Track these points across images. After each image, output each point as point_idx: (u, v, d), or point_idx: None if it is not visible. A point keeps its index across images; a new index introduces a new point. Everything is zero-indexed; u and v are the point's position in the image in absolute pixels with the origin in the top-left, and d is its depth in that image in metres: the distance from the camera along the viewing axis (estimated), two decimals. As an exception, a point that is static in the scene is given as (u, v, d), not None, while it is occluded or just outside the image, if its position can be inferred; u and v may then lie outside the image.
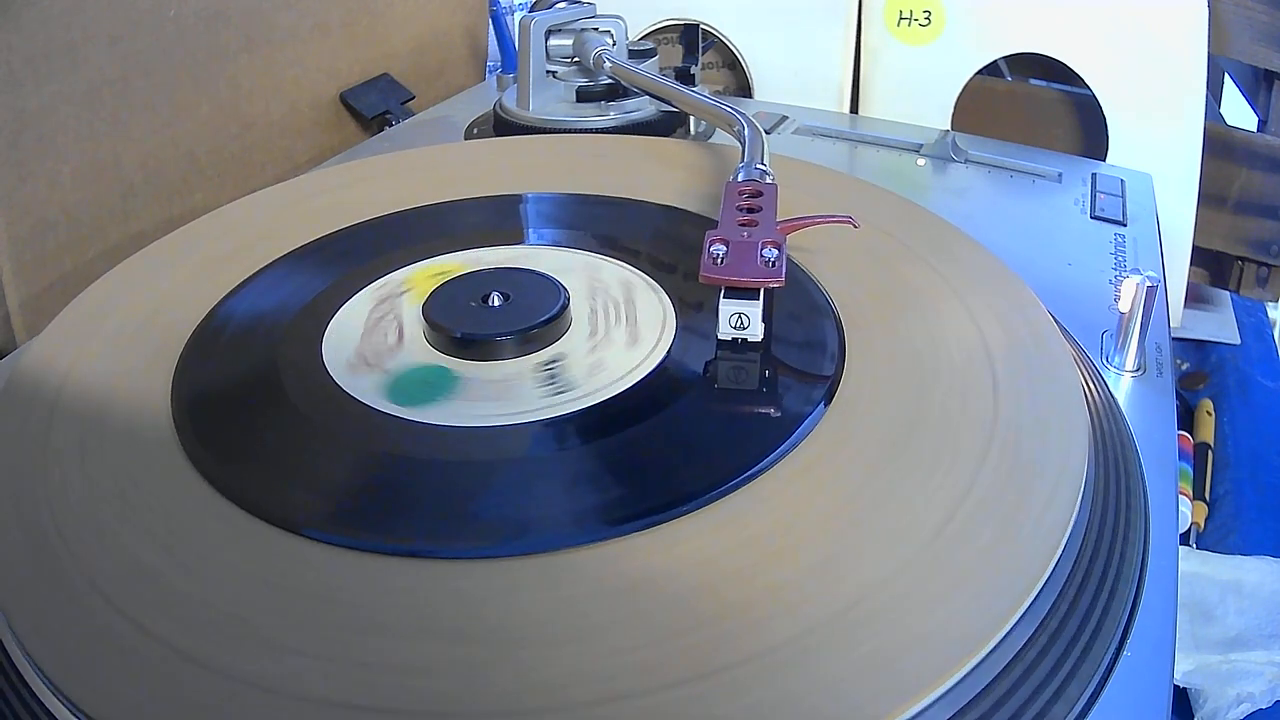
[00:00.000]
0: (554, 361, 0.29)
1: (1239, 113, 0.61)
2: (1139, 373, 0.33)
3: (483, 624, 0.21)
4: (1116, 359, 0.33)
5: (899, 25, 0.55)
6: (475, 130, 0.53)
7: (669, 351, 0.29)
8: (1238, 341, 0.58)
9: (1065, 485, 0.24)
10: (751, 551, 0.22)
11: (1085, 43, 0.52)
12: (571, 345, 0.30)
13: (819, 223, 0.33)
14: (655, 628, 0.21)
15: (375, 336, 0.31)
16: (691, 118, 0.51)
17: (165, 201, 0.49)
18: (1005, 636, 0.21)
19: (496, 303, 0.31)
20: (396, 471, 0.26)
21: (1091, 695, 0.22)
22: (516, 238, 0.37)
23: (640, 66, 0.48)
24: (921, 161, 0.49)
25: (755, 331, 0.29)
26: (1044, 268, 0.39)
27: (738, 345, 0.29)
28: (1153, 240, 0.43)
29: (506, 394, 0.28)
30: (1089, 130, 0.55)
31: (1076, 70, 0.52)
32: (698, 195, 0.39)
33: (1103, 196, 0.46)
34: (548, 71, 0.51)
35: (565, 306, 0.31)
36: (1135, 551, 0.25)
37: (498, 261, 0.34)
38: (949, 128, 0.54)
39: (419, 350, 0.30)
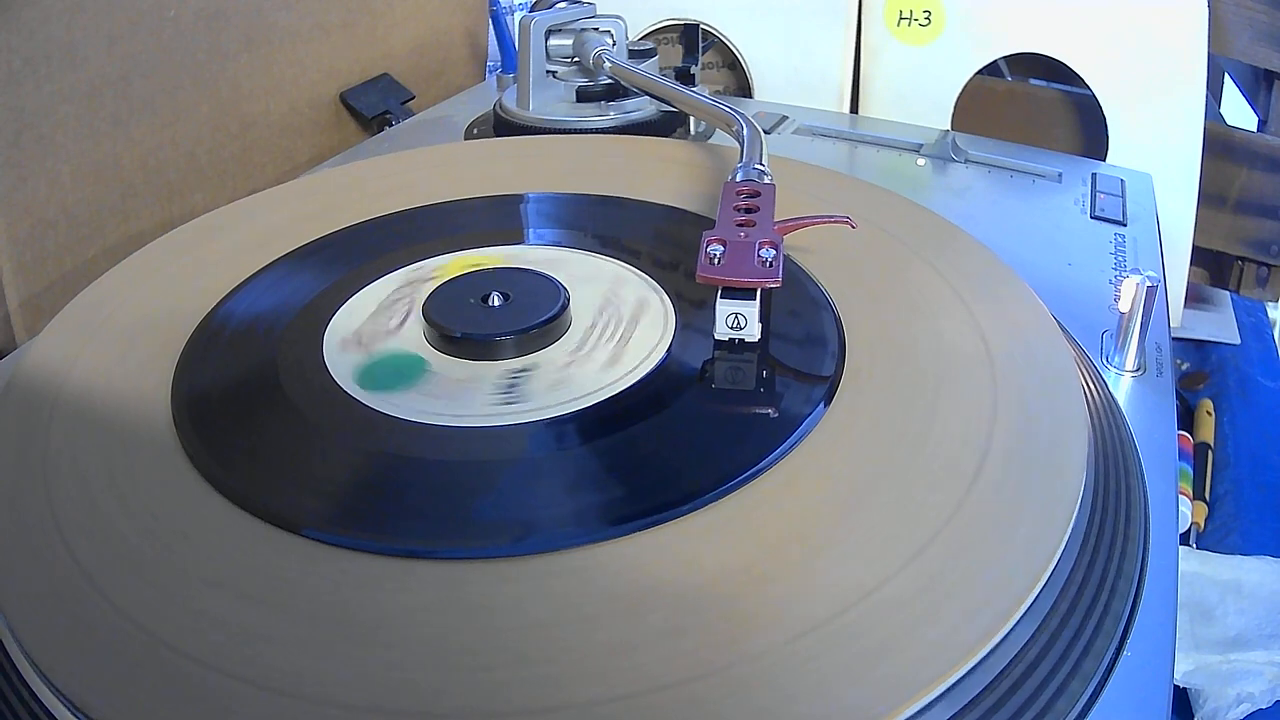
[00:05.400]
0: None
1: (1239, 113, 0.61)
2: (1139, 373, 0.33)
3: (482, 624, 0.21)
4: (1116, 359, 0.33)
5: (899, 25, 0.55)
6: (475, 130, 0.53)
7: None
8: (1238, 341, 0.58)
9: (1065, 485, 0.24)
10: (750, 551, 0.22)
11: (1085, 43, 0.52)
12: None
13: (816, 223, 0.33)
14: (654, 627, 0.21)
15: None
16: (691, 118, 0.51)
17: (165, 201, 0.49)
18: (1005, 637, 0.21)
19: (496, 303, 0.31)
20: (396, 471, 0.26)
21: (1091, 695, 0.22)
22: (516, 238, 0.37)
23: (640, 66, 0.48)
24: (921, 161, 0.49)
25: (752, 331, 0.29)
26: (1044, 268, 0.39)
27: (735, 345, 0.29)
28: (1153, 240, 0.43)
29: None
30: (1089, 130, 0.55)
31: (1076, 70, 0.52)
32: (697, 195, 0.39)
33: (1103, 196, 0.46)
34: (548, 71, 0.51)
35: (565, 306, 0.31)
36: (1135, 551, 0.25)
37: (497, 261, 0.34)
38: (949, 128, 0.54)
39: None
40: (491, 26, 0.69)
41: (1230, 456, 0.49)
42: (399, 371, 0.29)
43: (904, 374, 0.28)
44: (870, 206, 0.37)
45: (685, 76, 0.50)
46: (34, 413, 0.28)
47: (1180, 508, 0.29)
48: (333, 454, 0.26)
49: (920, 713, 0.19)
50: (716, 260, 0.29)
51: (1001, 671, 0.21)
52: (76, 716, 0.20)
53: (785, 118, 0.54)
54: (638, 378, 0.28)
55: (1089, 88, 0.52)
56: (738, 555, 0.22)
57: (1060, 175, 0.48)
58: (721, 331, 0.29)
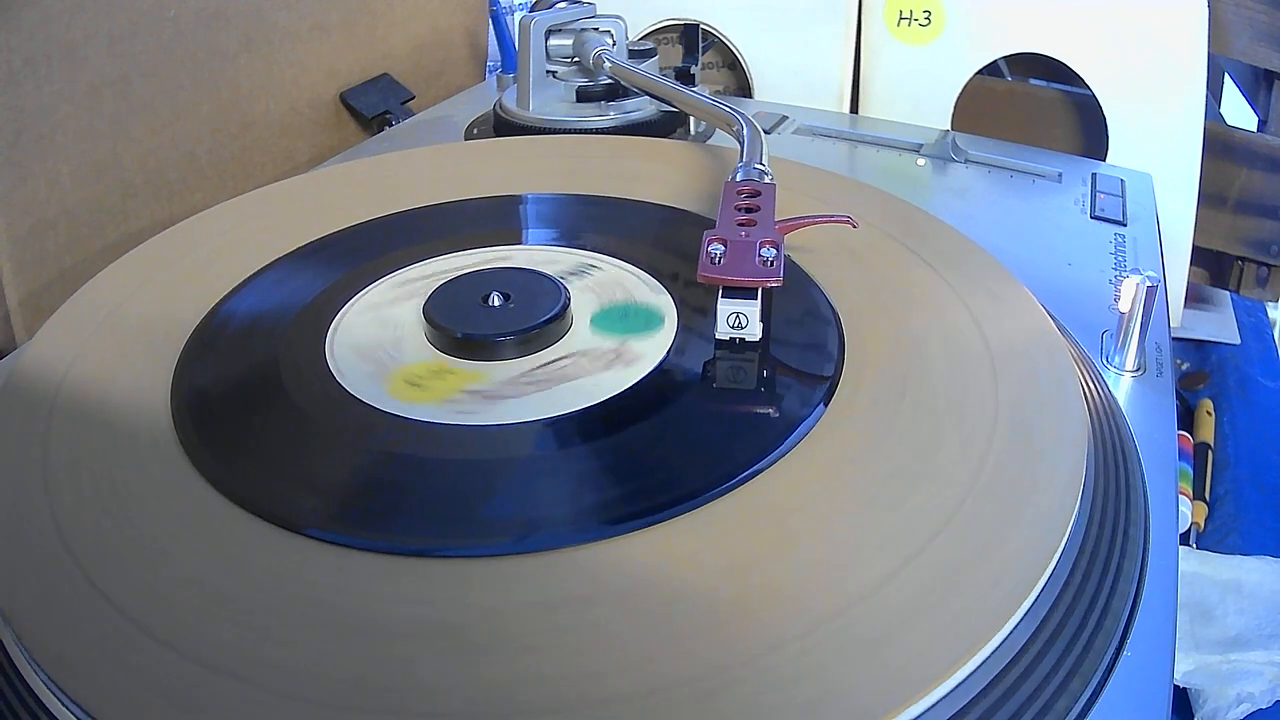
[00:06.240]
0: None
1: (1239, 113, 0.61)
2: (1139, 373, 0.33)
3: (483, 623, 0.21)
4: (1116, 359, 0.33)
5: (899, 25, 0.55)
6: (475, 130, 0.53)
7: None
8: (1238, 341, 0.58)
9: (1065, 486, 0.24)
10: (750, 551, 0.22)
11: (1085, 43, 0.52)
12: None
13: (817, 222, 0.33)
14: (654, 627, 0.21)
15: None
16: (691, 118, 0.51)
17: (165, 201, 0.49)
18: (1006, 637, 0.21)
19: (497, 303, 0.31)
20: (397, 471, 0.26)
21: (1091, 695, 0.22)
22: (516, 238, 0.37)
23: (640, 66, 0.48)
24: (921, 161, 0.49)
25: (753, 331, 0.29)
26: (1044, 268, 0.39)
27: (736, 345, 0.29)
28: (1153, 240, 0.43)
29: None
30: (1089, 130, 0.55)
31: (1076, 70, 0.52)
32: (697, 195, 0.39)
33: (1103, 196, 0.46)
34: (548, 71, 0.51)
35: (566, 306, 0.31)
36: (1135, 551, 0.25)
37: (498, 261, 0.34)
38: (949, 128, 0.54)
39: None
40: (491, 26, 0.69)
41: (1230, 456, 0.49)
42: (628, 317, 0.31)
43: (903, 374, 0.28)
44: (868, 208, 0.37)
45: (685, 76, 0.50)
46: (33, 412, 0.28)
47: (1180, 508, 0.29)
48: (333, 454, 0.26)
49: (921, 714, 0.19)
50: (717, 260, 0.29)
51: (1001, 671, 0.21)
52: (76, 716, 0.20)
53: (785, 118, 0.54)
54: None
55: (1089, 88, 0.52)
56: (738, 554, 0.22)
57: (1060, 175, 0.48)
58: (723, 331, 0.29)
